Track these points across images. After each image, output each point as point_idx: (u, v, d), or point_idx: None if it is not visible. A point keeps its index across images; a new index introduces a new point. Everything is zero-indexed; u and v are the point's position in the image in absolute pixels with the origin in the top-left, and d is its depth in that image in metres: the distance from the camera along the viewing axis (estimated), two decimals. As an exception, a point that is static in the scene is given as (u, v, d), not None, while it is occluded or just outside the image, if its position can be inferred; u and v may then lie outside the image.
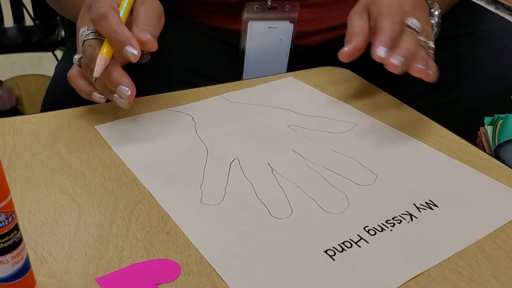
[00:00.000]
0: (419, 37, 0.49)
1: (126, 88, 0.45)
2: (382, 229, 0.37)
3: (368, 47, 0.50)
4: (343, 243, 0.36)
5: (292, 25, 0.63)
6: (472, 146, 0.48)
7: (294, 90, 0.58)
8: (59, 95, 0.61)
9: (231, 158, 0.45)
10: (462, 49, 0.59)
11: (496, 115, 0.53)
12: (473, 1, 0.70)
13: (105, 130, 0.48)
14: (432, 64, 0.49)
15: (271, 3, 0.62)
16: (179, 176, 0.43)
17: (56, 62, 0.71)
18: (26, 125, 0.49)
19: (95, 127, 0.49)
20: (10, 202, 0.29)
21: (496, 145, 0.50)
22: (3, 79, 1.41)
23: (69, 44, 0.75)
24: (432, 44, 0.51)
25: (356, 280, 0.33)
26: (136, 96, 0.47)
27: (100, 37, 0.46)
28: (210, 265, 0.34)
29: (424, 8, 0.54)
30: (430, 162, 0.45)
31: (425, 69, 0.47)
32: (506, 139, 0.50)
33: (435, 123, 0.52)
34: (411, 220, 0.38)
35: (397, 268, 0.34)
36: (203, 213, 0.39)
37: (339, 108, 0.54)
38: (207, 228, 0.37)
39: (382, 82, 0.59)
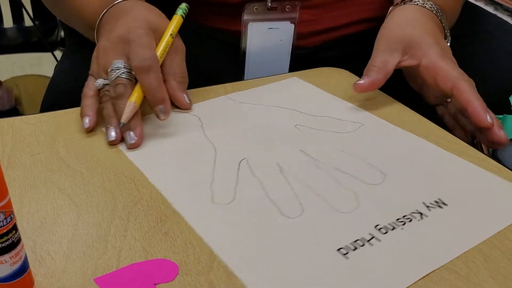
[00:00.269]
0: None
1: (134, 137, 0.46)
2: (393, 227, 0.38)
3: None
4: (355, 242, 0.36)
5: (292, 25, 0.63)
6: (470, 147, 0.48)
7: (298, 90, 0.58)
8: (59, 96, 0.61)
9: (239, 158, 0.45)
10: (460, 50, 0.59)
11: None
12: (472, 2, 0.71)
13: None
14: None
15: (271, 4, 0.62)
16: (189, 176, 0.43)
17: (55, 63, 0.71)
18: (25, 125, 0.49)
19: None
20: (9, 202, 0.29)
21: (494, 146, 0.51)
22: (2, 79, 1.41)
23: (69, 45, 0.75)
24: None
25: (370, 278, 0.33)
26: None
27: (132, 79, 0.49)
28: (208, 265, 0.34)
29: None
30: (437, 161, 0.46)
31: None
32: (504, 140, 0.50)
33: (433, 123, 0.52)
34: (421, 218, 0.39)
35: (410, 266, 0.34)
36: (215, 212, 0.39)
37: (345, 107, 0.55)
38: (220, 227, 0.37)
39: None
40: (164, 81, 0.50)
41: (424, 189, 0.42)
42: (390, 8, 0.59)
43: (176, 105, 0.52)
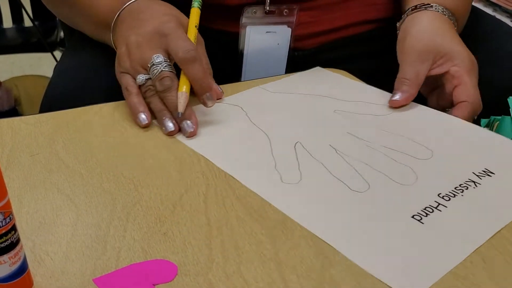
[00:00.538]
0: None
1: (192, 125, 0.48)
2: (454, 195, 0.41)
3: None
4: (424, 209, 0.39)
5: (290, 29, 0.63)
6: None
7: (326, 78, 0.60)
8: (58, 96, 0.61)
9: (293, 142, 0.47)
10: None
11: (492, 117, 0.53)
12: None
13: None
14: None
15: (269, 8, 0.62)
16: (251, 161, 0.45)
17: (55, 63, 0.71)
18: (24, 126, 0.49)
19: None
20: (8, 202, 0.29)
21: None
22: (2, 79, 1.41)
23: (68, 45, 0.75)
24: None
25: (446, 239, 0.37)
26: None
27: (173, 70, 0.50)
28: (207, 265, 0.34)
29: None
30: (475, 136, 0.49)
31: None
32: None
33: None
34: (476, 186, 0.42)
35: (480, 225, 0.38)
36: (289, 191, 0.41)
37: (374, 92, 0.57)
38: (300, 204, 0.40)
39: (378, 83, 0.59)
40: None
41: (470, 161, 0.45)
42: (405, 14, 0.60)
43: None
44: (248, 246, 0.36)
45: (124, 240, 0.36)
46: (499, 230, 0.38)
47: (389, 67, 0.59)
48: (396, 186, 0.42)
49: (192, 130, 0.48)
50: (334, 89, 0.57)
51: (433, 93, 0.58)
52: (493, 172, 0.44)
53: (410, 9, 0.59)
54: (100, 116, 0.51)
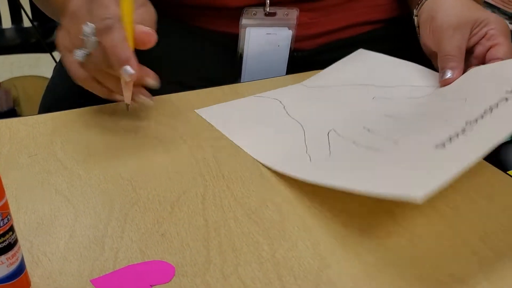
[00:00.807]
0: None
1: (129, 68, 0.43)
2: (482, 116, 0.41)
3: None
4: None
5: (290, 31, 0.64)
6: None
7: (367, 62, 0.60)
8: (57, 97, 0.61)
9: (327, 130, 0.48)
10: None
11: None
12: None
13: (206, 112, 0.53)
14: None
15: (269, 9, 0.63)
16: (283, 150, 0.46)
17: (54, 64, 0.71)
18: (23, 127, 0.49)
19: (196, 110, 0.53)
20: (6, 203, 0.29)
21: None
22: (0, 80, 1.41)
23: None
24: None
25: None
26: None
27: None
28: (204, 266, 0.34)
29: None
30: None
31: None
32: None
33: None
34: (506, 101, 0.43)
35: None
36: (319, 167, 0.43)
37: (416, 70, 0.57)
38: (328, 172, 0.42)
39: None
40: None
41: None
42: (421, 3, 0.59)
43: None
44: (246, 247, 0.36)
45: (122, 241, 0.36)
46: (494, 231, 0.38)
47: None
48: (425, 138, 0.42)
49: (132, 72, 0.43)
50: (375, 74, 0.58)
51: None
52: None
53: None
54: (98, 117, 0.51)
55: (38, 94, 0.69)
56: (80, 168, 0.44)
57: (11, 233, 0.30)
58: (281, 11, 0.63)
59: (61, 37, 0.48)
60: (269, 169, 0.45)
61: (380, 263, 0.36)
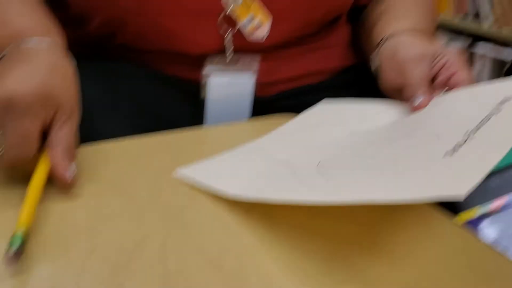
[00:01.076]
0: None
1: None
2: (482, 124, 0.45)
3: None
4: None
5: (252, 78, 0.65)
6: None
7: (332, 109, 0.61)
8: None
9: (313, 165, 0.47)
10: None
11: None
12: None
13: (189, 172, 0.49)
14: None
15: (232, 57, 0.64)
16: (272, 181, 0.46)
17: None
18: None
19: (178, 172, 0.49)
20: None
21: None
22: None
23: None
24: None
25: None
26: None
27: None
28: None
29: None
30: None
31: None
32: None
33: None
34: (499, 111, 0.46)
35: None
36: (332, 185, 0.42)
37: (385, 104, 0.60)
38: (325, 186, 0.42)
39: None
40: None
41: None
42: (382, 42, 0.63)
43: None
44: (206, 297, 0.35)
45: (76, 292, 0.35)
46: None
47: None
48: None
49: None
50: (344, 115, 0.59)
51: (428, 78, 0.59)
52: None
53: (386, 37, 0.62)
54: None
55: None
56: (35, 215, 0.42)
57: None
58: (243, 59, 0.65)
59: None
60: (233, 215, 0.44)
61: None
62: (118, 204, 0.45)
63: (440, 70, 0.57)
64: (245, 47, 0.64)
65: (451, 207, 0.47)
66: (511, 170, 0.54)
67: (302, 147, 0.53)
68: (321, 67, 0.71)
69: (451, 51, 0.58)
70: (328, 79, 0.72)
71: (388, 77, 0.60)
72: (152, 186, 0.48)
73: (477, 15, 2.10)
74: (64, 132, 0.45)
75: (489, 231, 0.46)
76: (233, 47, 0.64)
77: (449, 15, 2.21)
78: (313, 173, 0.45)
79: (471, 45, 2.23)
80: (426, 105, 0.55)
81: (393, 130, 0.53)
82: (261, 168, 0.49)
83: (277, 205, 0.42)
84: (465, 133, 0.44)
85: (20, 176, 0.46)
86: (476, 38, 2.21)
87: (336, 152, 0.50)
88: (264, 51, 0.65)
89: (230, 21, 0.62)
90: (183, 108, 0.65)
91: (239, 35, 0.63)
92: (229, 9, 0.62)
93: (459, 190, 0.33)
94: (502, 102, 0.49)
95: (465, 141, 0.42)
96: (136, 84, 0.63)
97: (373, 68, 0.64)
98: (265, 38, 0.63)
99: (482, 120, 0.46)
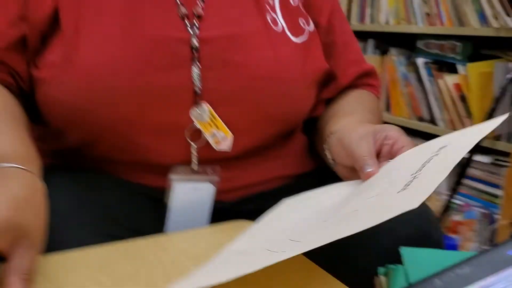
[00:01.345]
0: None
1: None
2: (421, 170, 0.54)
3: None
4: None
5: (213, 186, 0.70)
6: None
7: (292, 203, 0.67)
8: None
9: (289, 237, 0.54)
10: None
11: (388, 266, 0.58)
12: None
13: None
14: None
15: (196, 168, 0.70)
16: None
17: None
18: None
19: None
20: None
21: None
22: None
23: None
24: None
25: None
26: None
27: None
28: None
29: None
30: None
31: None
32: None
33: (335, 279, 0.56)
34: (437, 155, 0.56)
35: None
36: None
37: (339, 184, 0.67)
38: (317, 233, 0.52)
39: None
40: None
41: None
42: (331, 135, 0.70)
43: None
44: None
45: None
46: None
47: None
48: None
49: None
50: (308, 202, 0.66)
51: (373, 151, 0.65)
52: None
53: (334, 130, 0.70)
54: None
55: None
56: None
57: None
58: (205, 168, 0.70)
59: None
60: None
61: None
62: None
63: (382, 142, 0.64)
64: (208, 157, 0.70)
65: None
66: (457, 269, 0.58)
67: (272, 234, 0.59)
68: (279, 173, 0.77)
69: (390, 127, 0.65)
70: (286, 184, 0.77)
71: (340, 160, 0.67)
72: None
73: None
74: (26, 260, 0.46)
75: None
76: (197, 157, 0.70)
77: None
78: (285, 240, 0.53)
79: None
80: (376, 173, 0.61)
81: (351, 193, 0.61)
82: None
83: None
84: (411, 175, 0.53)
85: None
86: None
87: (303, 225, 0.57)
88: (225, 161, 0.71)
89: (197, 135, 0.69)
90: (146, 214, 0.70)
91: (204, 147, 0.69)
92: (196, 124, 0.68)
93: (412, 204, 0.44)
94: (440, 148, 0.58)
95: (413, 180, 0.51)
96: (104, 193, 0.68)
97: (329, 161, 0.71)
98: (230, 149, 0.69)
99: (425, 162, 0.55)
